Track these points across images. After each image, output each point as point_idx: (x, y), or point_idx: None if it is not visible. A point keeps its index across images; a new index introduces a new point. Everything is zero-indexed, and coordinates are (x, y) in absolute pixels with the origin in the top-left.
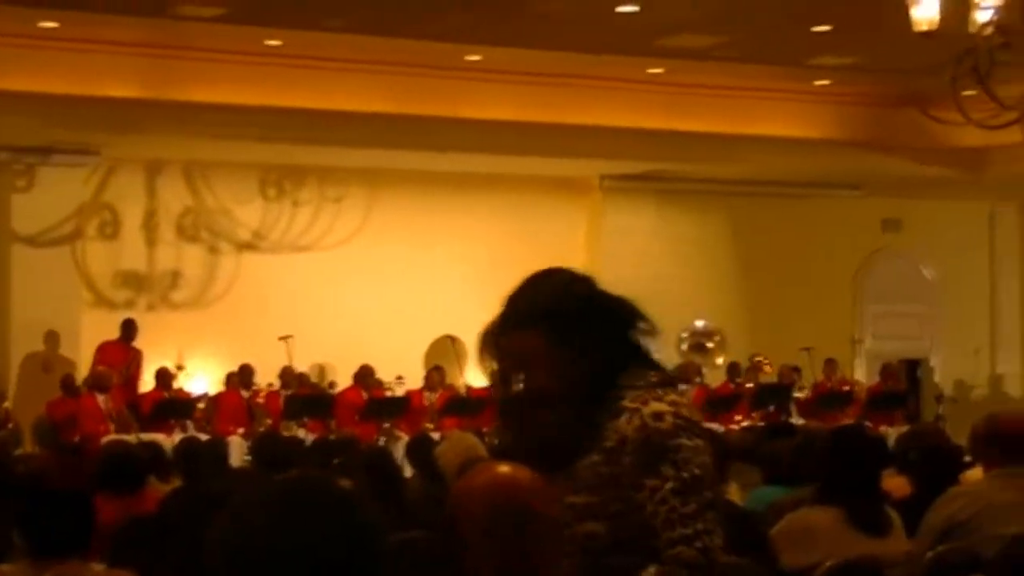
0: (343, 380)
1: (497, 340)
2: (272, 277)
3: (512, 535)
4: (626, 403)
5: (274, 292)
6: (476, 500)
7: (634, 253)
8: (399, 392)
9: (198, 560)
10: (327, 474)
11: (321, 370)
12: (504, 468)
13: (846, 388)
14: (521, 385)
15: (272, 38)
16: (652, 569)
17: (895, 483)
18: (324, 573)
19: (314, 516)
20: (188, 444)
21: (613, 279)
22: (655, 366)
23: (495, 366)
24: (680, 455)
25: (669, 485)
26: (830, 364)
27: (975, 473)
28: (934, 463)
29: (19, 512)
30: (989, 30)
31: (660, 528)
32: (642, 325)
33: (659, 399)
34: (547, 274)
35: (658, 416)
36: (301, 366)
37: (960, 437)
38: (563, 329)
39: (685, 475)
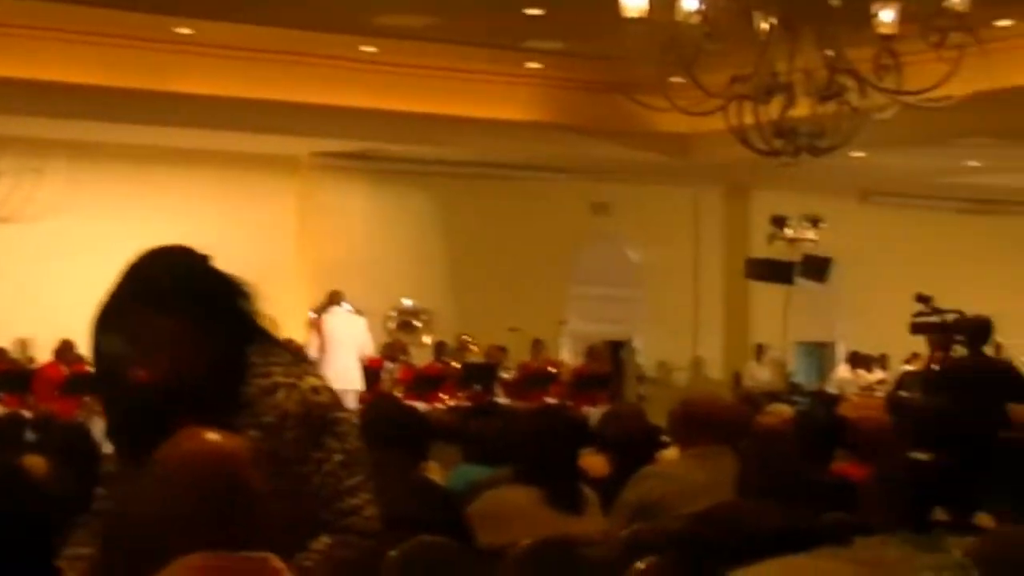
0: (42, 355)
1: (124, 320)
2: None
3: (222, 504)
4: (279, 378)
5: None
6: (185, 468)
7: (344, 232)
8: None
9: None
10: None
11: (24, 345)
12: (213, 436)
13: (552, 369)
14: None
15: None
16: (324, 539)
17: (594, 462)
18: None
19: None
20: None
21: (323, 257)
22: (278, 341)
23: (116, 347)
24: (341, 428)
25: (337, 457)
26: (537, 345)
27: (672, 453)
28: (631, 443)
29: None
30: (696, 19)
31: (329, 499)
32: (255, 301)
33: (311, 373)
34: (168, 252)
35: (316, 390)
36: (1, 341)
37: (662, 418)
38: (196, 309)
39: (348, 447)
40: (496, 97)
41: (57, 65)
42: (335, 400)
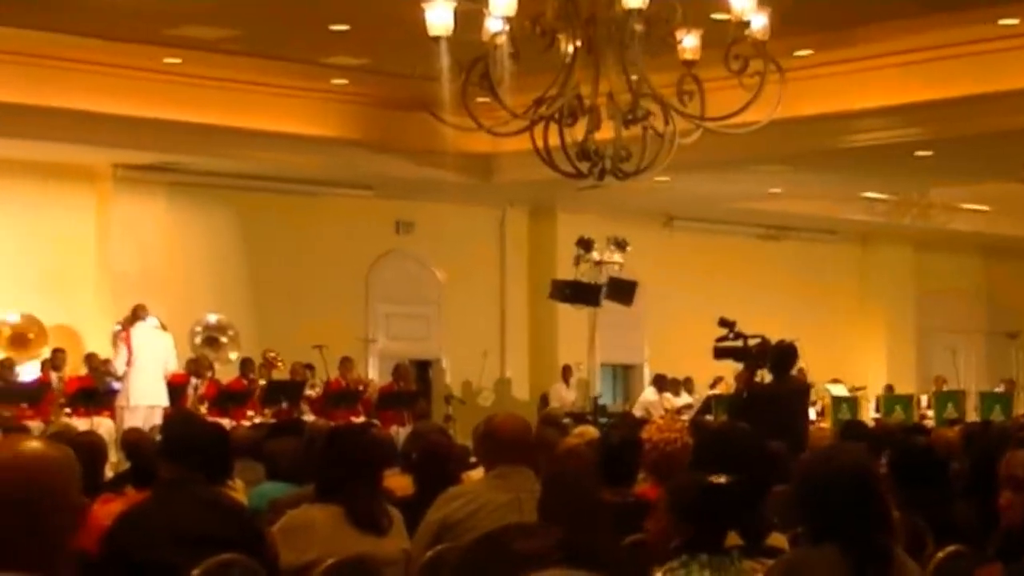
0: None
1: None
2: None
3: (36, 513)
4: None
5: None
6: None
7: (145, 245)
8: None
9: None
10: None
11: None
12: (34, 443)
13: (360, 387)
14: None
15: None
16: None
17: (399, 482)
18: None
19: None
20: None
21: (124, 270)
22: None
23: None
24: None
25: None
26: (345, 363)
27: (477, 473)
28: (435, 463)
29: None
30: (501, 39)
31: None
32: None
33: None
34: None
35: None
36: None
37: (468, 438)
38: None
39: None
40: (300, 112)
41: None
42: None
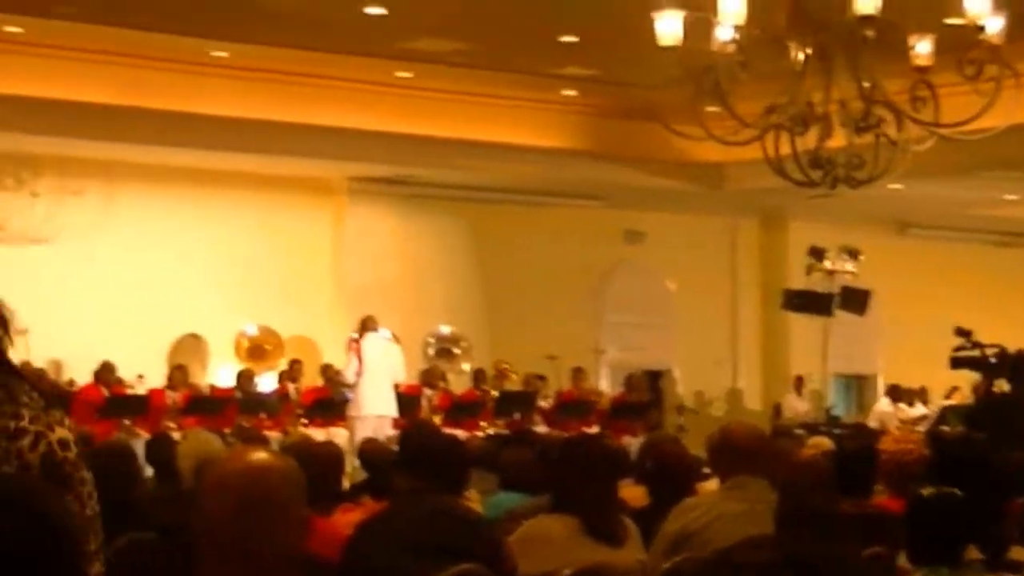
0: (80, 377)
1: None
2: (8, 269)
3: (256, 523)
4: (26, 424)
5: (9, 284)
6: (221, 483)
7: (378, 256)
8: (140, 390)
9: None
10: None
11: (58, 366)
12: (259, 454)
13: (592, 398)
14: None
15: (9, 24)
16: None
17: (633, 493)
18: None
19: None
20: None
21: (358, 281)
22: (26, 377)
23: None
24: (85, 488)
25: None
26: (578, 373)
27: (712, 484)
28: (669, 473)
29: None
30: (731, 48)
31: None
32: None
33: (61, 424)
34: None
35: (65, 445)
36: (37, 361)
37: (700, 449)
38: None
39: (89, 512)
40: (531, 123)
41: (96, 87)
42: (82, 457)
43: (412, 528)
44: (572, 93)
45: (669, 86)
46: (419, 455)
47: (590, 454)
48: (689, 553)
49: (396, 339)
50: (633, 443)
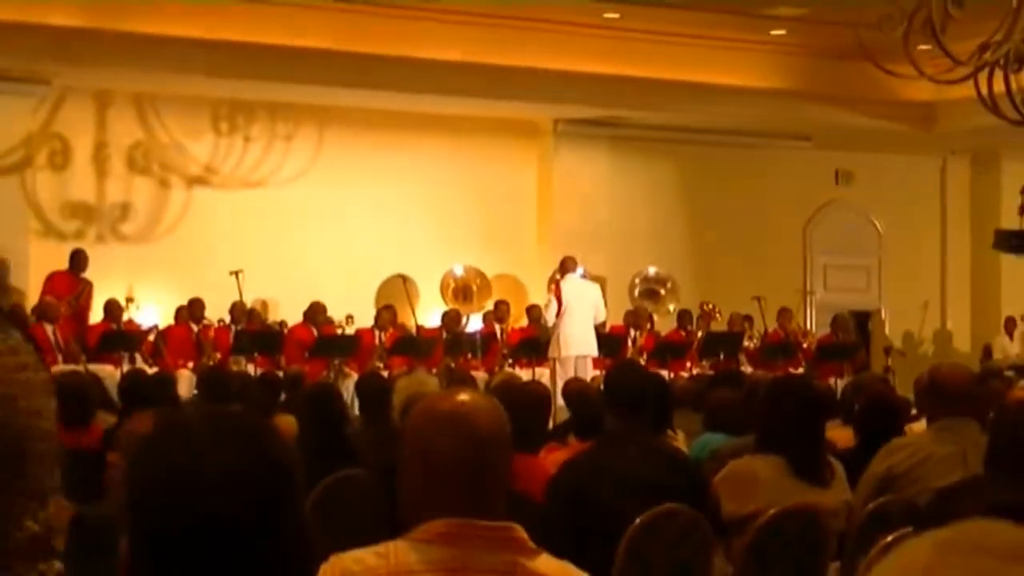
0: (290, 317)
1: None
2: (222, 212)
3: (470, 470)
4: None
5: (224, 227)
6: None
7: (585, 198)
8: (349, 330)
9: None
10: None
11: (267, 306)
12: (472, 395)
13: (798, 339)
14: None
15: None
16: None
17: (840, 434)
18: (236, 502)
19: (227, 445)
20: (134, 377)
21: (564, 223)
22: None
23: None
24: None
25: None
26: (784, 314)
27: (920, 425)
28: (877, 414)
29: None
30: None
31: None
32: None
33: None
34: None
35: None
36: (249, 302)
37: (908, 391)
38: None
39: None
40: (740, 64)
41: (309, 33)
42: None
43: (620, 467)
44: (782, 33)
45: (881, 25)
46: (625, 394)
47: (798, 394)
48: (895, 494)
49: (593, 278)
50: (839, 384)
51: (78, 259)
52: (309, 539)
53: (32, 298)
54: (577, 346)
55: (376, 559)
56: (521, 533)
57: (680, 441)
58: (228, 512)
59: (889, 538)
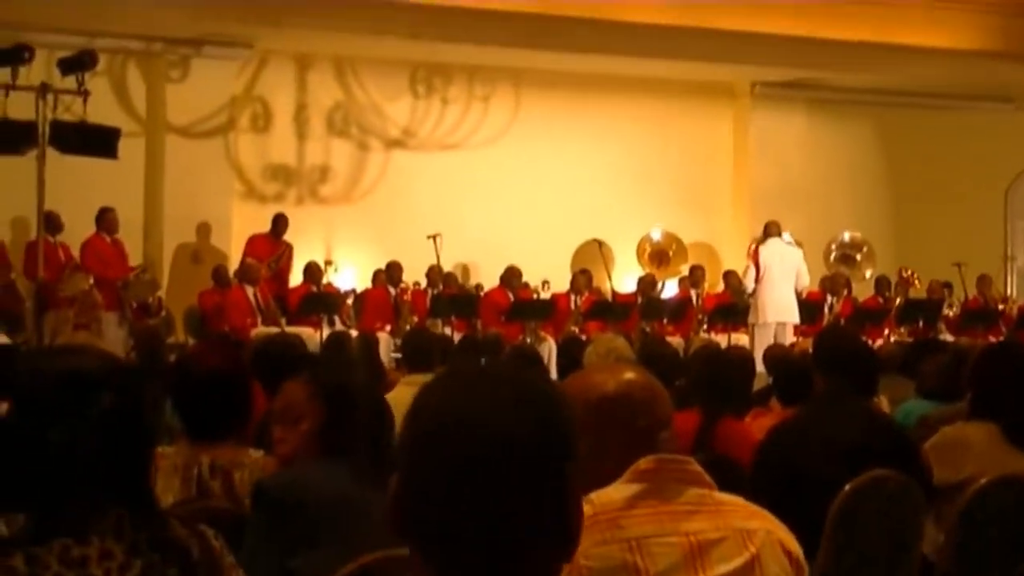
0: (486, 280)
1: None
2: (420, 175)
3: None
4: None
5: (421, 190)
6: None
7: (782, 162)
8: (544, 295)
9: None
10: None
11: (465, 269)
12: (629, 374)
13: (999, 306)
14: None
15: None
16: None
17: None
18: (519, 459)
19: (510, 397)
20: (337, 337)
21: (760, 186)
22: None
23: None
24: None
25: None
26: (983, 280)
27: None
28: None
29: (179, 395)
30: None
31: None
32: None
33: None
34: None
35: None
36: (446, 265)
37: None
38: None
39: None
40: (941, 24)
41: None
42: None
43: (830, 431)
44: None
45: None
46: (837, 358)
47: (1016, 361)
48: None
49: (798, 244)
50: None
51: (279, 223)
52: (575, 519)
53: (234, 260)
54: (777, 312)
55: (586, 506)
56: (697, 466)
57: (884, 407)
58: (496, 470)
59: None
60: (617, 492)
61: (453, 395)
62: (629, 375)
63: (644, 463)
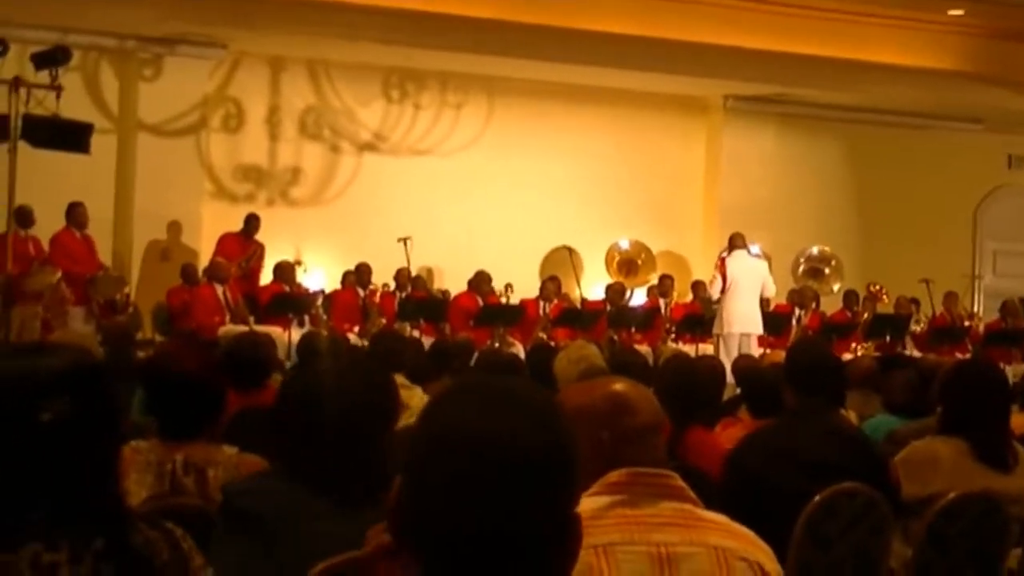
0: (453, 285)
1: None
2: (391, 179)
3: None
4: None
5: (392, 193)
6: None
7: (751, 175)
8: (509, 299)
9: (305, 448)
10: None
11: (430, 273)
12: (620, 385)
13: (966, 323)
14: None
15: None
16: None
17: (1017, 421)
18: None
19: (521, 414)
20: (311, 338)
21: (730, 200)
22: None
23: None
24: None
25: None
26: (950, 297)
27: None
28: None
29: (153, 395)
30: None
31: None
32: None
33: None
34: None
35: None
36: (415, 269)
37: None
38: None
39: None
40: (913, 44)
41: (480, 2)
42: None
43: (799, 444)
44: (959, 13)
45: None
46: (807, 371)
47: (986, 378)
48: None
49: (764, 256)
50: (1009, 371)
51: (251, 223)
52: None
53: (204, 259)
54: (741, 323)
55: None
56: (679, 481)
57: (852, 421)
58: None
59: None
60: (584, 504)
61: (465, 408)
62: (609, 387)
63: (615, 476)
